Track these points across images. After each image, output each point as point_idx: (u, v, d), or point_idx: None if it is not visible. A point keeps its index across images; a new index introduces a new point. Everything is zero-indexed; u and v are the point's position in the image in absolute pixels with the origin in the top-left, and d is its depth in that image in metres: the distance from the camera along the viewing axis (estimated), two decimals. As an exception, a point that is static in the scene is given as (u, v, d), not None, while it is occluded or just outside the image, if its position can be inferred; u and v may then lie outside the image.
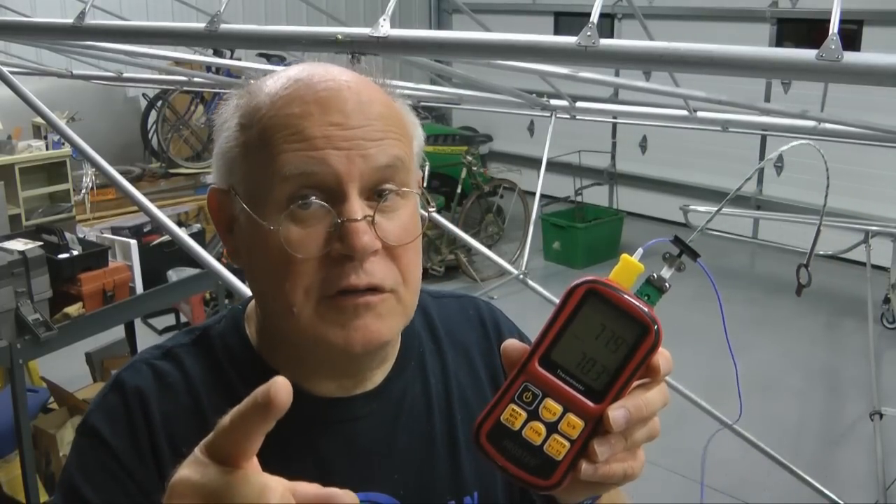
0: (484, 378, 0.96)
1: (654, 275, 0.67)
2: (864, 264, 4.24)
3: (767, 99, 6.60)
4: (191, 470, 0.57)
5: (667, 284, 0.67)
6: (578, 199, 6.63)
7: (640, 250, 0.69)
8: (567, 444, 0.64)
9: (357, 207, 0.76)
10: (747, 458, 3.01)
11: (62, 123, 2.39)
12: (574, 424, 0.64)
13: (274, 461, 0.83)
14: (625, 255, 0.67)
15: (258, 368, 0.85)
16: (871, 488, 3.48)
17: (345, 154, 0.76)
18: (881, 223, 4.48)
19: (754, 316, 5.39)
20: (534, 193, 3.05)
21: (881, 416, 3.72)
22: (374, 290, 0.78)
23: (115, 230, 3.83)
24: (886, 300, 4.96)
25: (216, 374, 0.87)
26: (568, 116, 3.12)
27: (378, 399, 0.88)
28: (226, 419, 0.57)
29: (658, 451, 3.32)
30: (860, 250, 4.27)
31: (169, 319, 4.86)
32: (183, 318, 4.79)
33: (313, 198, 0.76)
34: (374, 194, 0.79)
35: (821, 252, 4.46)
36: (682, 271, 0.68)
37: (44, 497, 2.84)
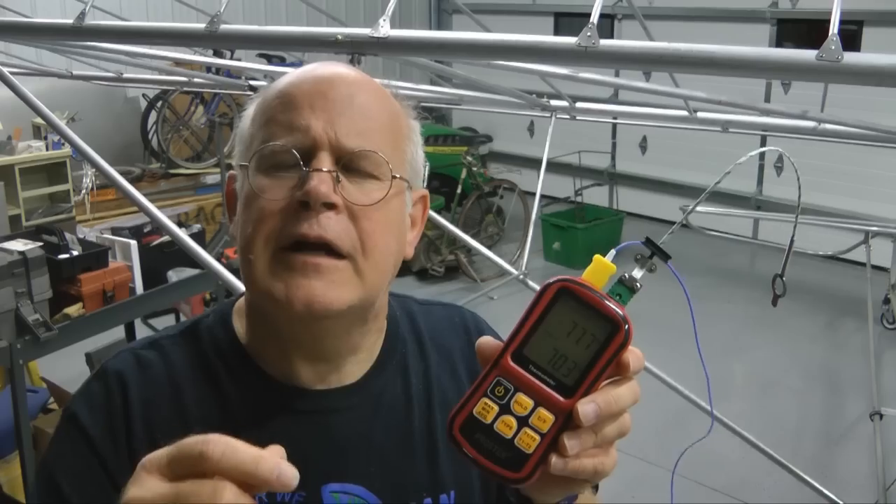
0: (466, 383, 0.97)
1: (626, 275, 0.68)
2: (864, 264, 4.24)
3: (767, 99, 6.60)
4: (139, 488, 0.57)
5: (638, 284, 0.68)
6: (578, 199, 6.63)
7: (612, 251, 0.70)
8: (538, 437, 0.65)
9: (324, 161, 0.80)
10: (747, 459, 3.01)
11: (62, 123, 2.39)
12: (545, 418, 0.65)
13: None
14: (597, 256, 0.68)
15: (243, 360, 0.89)
16: (871, 488, 3.47)
17: (322, 122, 0.81)
18: (881, 223, 4.48)
19: (754, 316, 5.38)
20: (534, 194, 3.05)
21: (881, 416, 3.72)
22: (326, 248, 0.80)
23: (115, 230, 3.81)
24: (886, 300, 4.96)
25: (201, 365, 0.89)
26: (568, 117, 3.12)
27: (357, 394, 0.90)
28: (188, 443, 0.57)
29: (658, 451, 3.35)
30: (860, 250, 4.27)
31: (169, 320, 4.85)
32: (183, 319, 4.78)
33: (283, 142, 0.81)
34: (347, 169, 0.82)
35: (821, 252, 4.47)
36: (653, 272, 0.69)
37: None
